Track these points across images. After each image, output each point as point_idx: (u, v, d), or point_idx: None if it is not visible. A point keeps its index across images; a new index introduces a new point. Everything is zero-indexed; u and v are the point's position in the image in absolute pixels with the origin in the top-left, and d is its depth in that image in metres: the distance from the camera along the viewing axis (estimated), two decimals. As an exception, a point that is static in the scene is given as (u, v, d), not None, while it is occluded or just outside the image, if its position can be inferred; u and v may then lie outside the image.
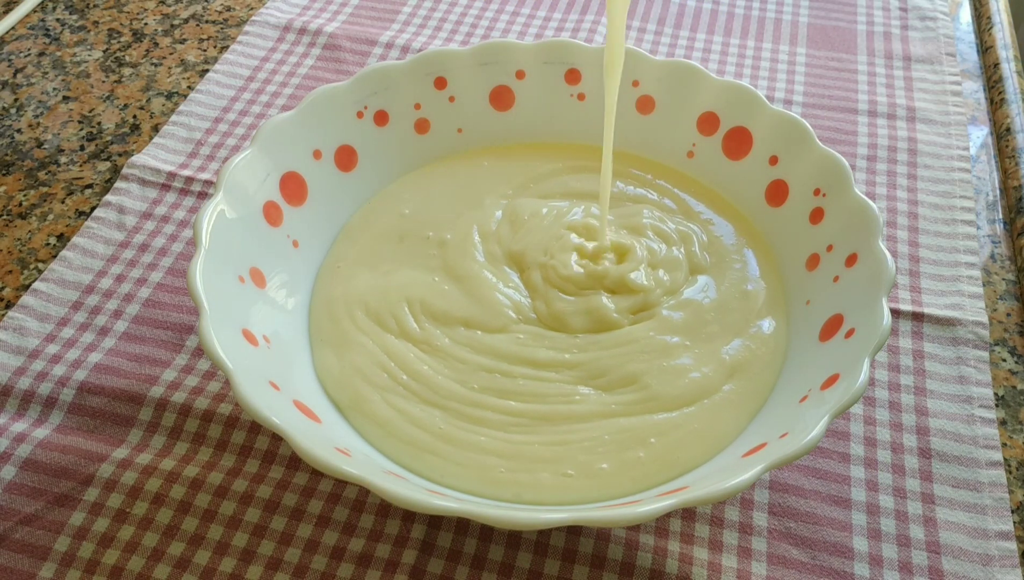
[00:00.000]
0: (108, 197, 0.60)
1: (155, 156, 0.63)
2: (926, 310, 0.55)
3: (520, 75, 0.59)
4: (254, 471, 0.47)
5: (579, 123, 0.60)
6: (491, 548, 0.45)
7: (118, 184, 0.61)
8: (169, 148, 0.64)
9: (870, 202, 0.48)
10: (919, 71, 0.73)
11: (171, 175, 0.61)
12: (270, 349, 0.46)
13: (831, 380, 0.42)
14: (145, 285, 0.55)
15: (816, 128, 0.66)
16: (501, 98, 0.59)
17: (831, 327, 0.46)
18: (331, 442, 0.42)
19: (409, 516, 0.46)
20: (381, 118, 0.57)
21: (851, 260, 0.47)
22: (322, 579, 0.43)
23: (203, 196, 0.60)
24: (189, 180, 0.61)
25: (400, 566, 0.44)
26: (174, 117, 0.66)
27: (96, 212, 0.59)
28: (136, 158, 0.62)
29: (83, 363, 0.51)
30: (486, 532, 0.45)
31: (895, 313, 0.54)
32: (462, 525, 0.45)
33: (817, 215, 0.51)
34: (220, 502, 0.46)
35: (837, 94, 0.70)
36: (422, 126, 0.58)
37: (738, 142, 0.56)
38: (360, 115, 0.56)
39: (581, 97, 0.59)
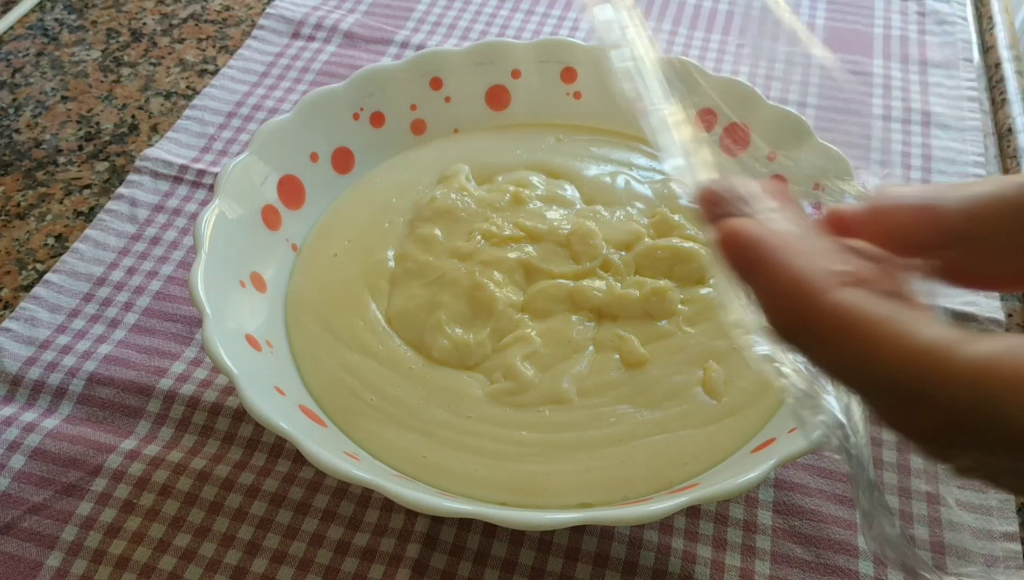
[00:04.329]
0: (121, 189, 0.60)
1: (168, 150, 0.63)
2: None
3: (516, 74, 0.59)
4: (261, 464, 0.47)
5: (575, 122, 0.60)
6: (494, 544, 0.45)
7: (131, 177, 0.61)
8: (182, 142, 0.64)
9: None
10: (935, 76, 0.72)
11: (183, 168, 0.62)
12: (273, 354, 0.46)
13: None
14: (156, 278, 0.55)
15: (829, 132, 0.66)
16: (497, 98, 0.59)
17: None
18: (338, 446, 0.42)
19: (413, 511, 0.45)
20: (377, 120, 0.57)
21: (852, 255, 0.47)
22: (327, 573, 0.44)
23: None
24: (201, 173, 0.61)
25: (404, 560, 0.44)
26: (187, 112, 0.66)
27: (108, 204, 0.59)
28: (149, 151, 0.62)
29: (93, 354, 0.51)
30: (489, 528, 0.45)
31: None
32: (465, 521, 0.45)
33: (817, 210, 0.51)
34: (227, 495, 0.46)
35: (851, 97, 0.70)
36: (418, 127, 0.58)
37: (735, 138, 0.56)
38: (356, 117, 0.56)
39: (577, 96, 0.59)
